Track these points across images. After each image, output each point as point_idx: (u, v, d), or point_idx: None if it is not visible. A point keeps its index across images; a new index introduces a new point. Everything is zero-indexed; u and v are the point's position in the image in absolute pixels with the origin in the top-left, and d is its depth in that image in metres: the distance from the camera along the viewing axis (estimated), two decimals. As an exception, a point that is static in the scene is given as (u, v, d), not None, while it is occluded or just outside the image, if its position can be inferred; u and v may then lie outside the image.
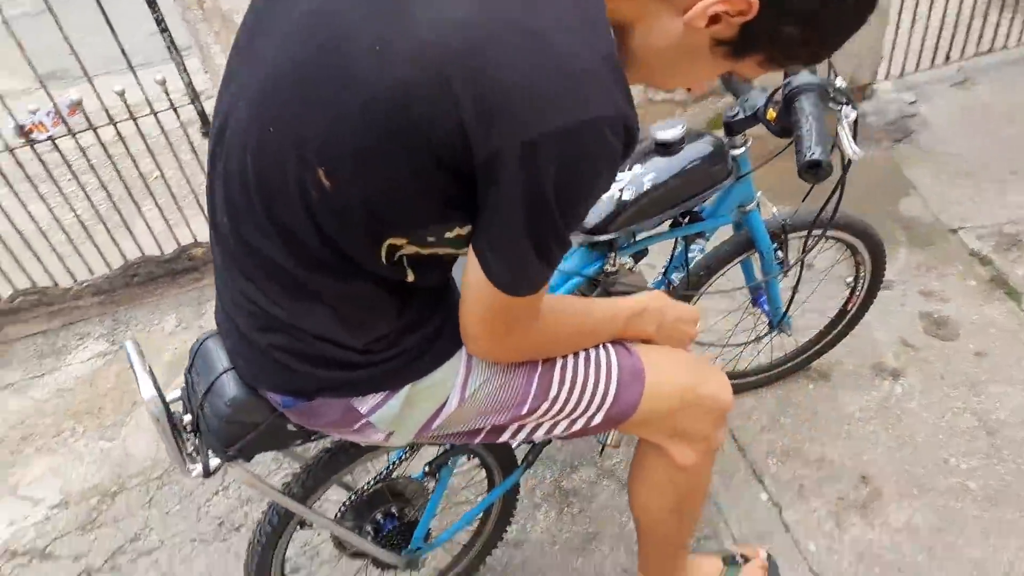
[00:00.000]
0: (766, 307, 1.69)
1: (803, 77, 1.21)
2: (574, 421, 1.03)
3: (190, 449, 1.01)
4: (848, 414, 1.83)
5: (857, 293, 1.74)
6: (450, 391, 0.94)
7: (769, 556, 1.51)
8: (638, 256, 1.48)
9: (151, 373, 0.98)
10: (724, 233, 1.56)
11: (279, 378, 0.91)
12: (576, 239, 1.37)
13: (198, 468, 0.99)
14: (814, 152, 1.12)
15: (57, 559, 1.73)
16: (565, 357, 1.00)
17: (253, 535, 1.21)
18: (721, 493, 1.69)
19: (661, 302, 1.10)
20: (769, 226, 1.52)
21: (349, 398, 0.92)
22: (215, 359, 0.97)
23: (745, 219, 1.50)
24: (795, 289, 1.62)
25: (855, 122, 1.21)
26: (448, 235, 0.79)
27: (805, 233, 1.47)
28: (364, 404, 0.92)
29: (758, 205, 1.50)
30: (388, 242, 0.79)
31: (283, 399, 0.93)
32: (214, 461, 1.00)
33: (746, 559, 1.48)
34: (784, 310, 1.67)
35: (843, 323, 1.81)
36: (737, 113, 1.34)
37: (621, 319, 1.05)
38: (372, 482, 1.24)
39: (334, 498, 1.32)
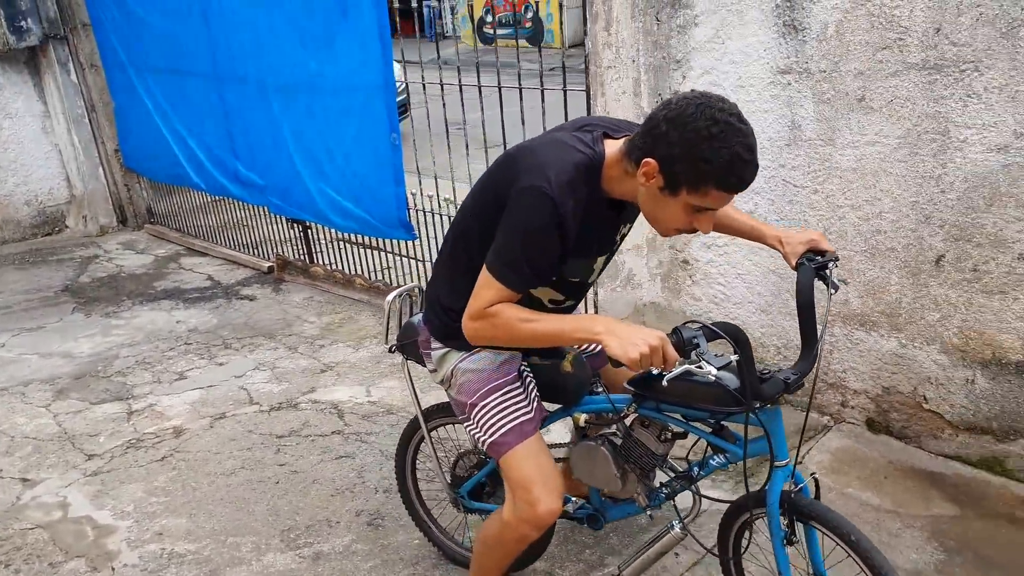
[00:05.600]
0: None
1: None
2: (482, 432, 1.79)
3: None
4: None
5: None
6: (454, 362, 1.83)
7: None
8: (674, 434, 1.75)
9: (400, 296, 2.10)
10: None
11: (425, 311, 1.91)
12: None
13: (386, 347, 2.12)
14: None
15: None
16: (492, 402, 1.77)
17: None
18: None
19: (607, 326, 1.46)
20: (781, 497, 1.60)
21: (429, 336, 1.87)
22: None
23: (772, 477, 1.60)
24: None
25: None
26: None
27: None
28: (433, 343, 1.87)
29: (794, 479, 1.61)
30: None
31: (420, 321, 1.93)
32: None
33: None
34: None
35: None
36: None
37: (565, 337, 1.54)
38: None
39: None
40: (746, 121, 1.39)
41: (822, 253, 1.70)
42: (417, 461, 2.41)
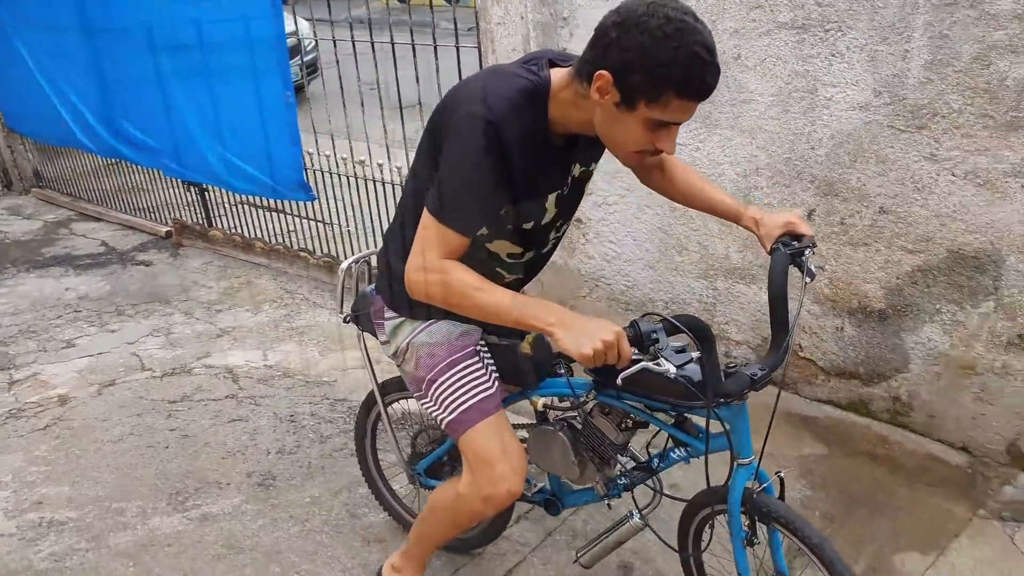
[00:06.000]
0: None
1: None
2: (441, 409, 1.69)
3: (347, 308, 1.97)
4: None
5: None
6: (408, 334, 1.72)
7: None
8: (635, 423, 1.69)
9: (356, 262, 1.96)
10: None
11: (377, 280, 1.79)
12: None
13: (340, 316, 1.95)
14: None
15: None
16: (451, 378, 1.66)
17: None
18: None
19: (560, 318, 1.35)
20: (744, 495, 1.54)
21: (383, 304, 1.75)
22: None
23: (734, 474, 1.55)
24: None
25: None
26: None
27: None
28: (387, 312, 1.74)
29: (757, 477, 1.54)
30: None
31: (373, 290, 1.80)
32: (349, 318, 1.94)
33: None
34: None
35: None
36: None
37: (513, 317, 1.39)
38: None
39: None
40: (702, 21, 1.27)
41: (799, 237, 1.58)
42: (377, 434, 2.34)
